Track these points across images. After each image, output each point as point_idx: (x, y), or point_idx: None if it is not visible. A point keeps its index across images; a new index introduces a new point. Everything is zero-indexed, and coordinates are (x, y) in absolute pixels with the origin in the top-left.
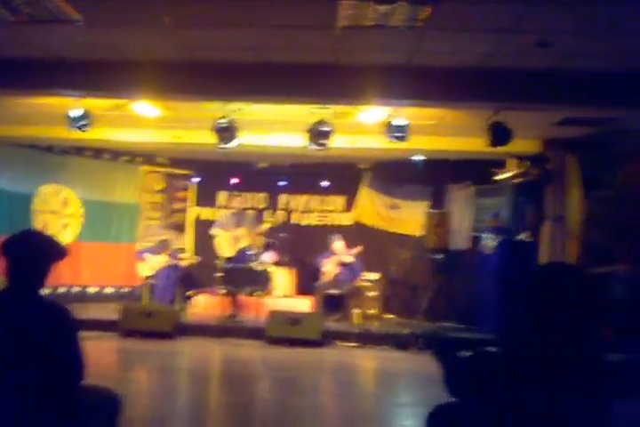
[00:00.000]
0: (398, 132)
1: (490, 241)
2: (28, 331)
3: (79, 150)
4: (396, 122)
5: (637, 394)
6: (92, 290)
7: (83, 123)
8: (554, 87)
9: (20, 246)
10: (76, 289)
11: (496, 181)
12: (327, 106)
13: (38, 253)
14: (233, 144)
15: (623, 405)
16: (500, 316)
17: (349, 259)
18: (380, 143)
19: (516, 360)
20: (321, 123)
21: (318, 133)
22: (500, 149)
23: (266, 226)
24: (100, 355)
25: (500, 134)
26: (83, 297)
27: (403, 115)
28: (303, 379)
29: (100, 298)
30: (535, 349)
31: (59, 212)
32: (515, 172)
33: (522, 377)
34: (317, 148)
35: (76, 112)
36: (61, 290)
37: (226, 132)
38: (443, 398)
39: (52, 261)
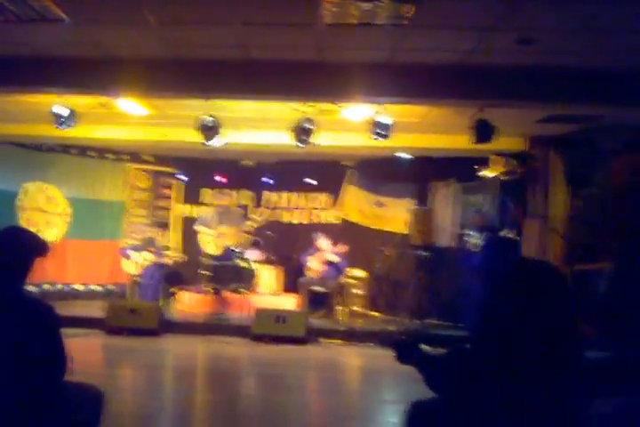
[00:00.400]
0: (382, 130)
1: (474, 238)
2: (10, 327)
3: (65, 148)
4: (379, 120)
5: (620, 393)
6: (77, 287)
7: (68, 121)
8: (537, 84)
9: (2, 242)
10: (61, 286)
11: (481, 179)
12: (311, 103)
13: (21, 248)
14: (217, 142)
15: (606, 404)
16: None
17: (334, 258)
18: (365, 141)
19: (488, 358)
20: (305, 120)
21: (302, 131)
22: (485, 146)
23: (251, 224)
24: (86, 352)
25: (483, 132)
26: (68, 294)
27: (387, 112)
28: (288, 376)
29: (85, 295)
30: (508, 346)
31: (44, 209)
32: (499, 169)
33: (495, 375)
34: (301, 145)
35: (61, 110)
36: (47, 287)
37: (210, 130)
38: (426, 395)
39: (34, 256)
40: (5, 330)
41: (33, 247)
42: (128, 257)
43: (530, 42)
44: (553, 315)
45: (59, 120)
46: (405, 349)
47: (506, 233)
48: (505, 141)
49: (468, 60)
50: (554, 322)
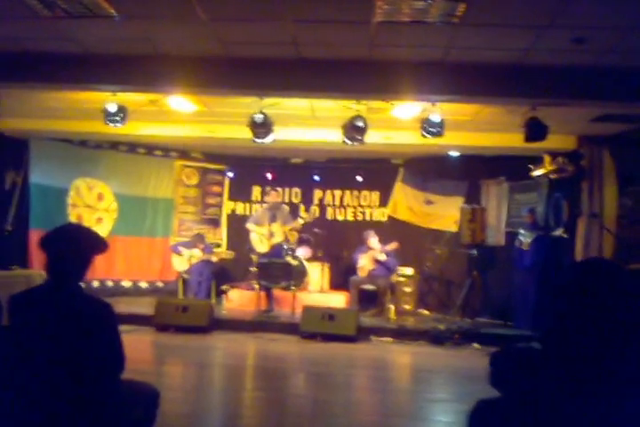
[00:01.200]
0: (433, 128)
1: (525, 237)
2: (69, 324)
3: (114, 145)
4: (431, 118)
5: None
6: (126, 284)
7: (118, 117)
8: (590, 83)
9: (62, 240)
10: (110, 283)
11: (532, 177)
12: (362, 101)
13: (80, 246)
14: (268, 139)
15: None
16: (536, 312)
17: (383, 257)
18: (415, 139)
19: (556, 358)
20: (356, 118)
21: (353, 129)
22: (535, 144)
23: (300, 221)
24: (135, 349)
25: (536, 130)
26: (117, 291)
27: (438, 110)
28: (338, 374)
29: (134, 292)
30: (575, 347)
31: (93, 206)
32: (550, 168)
33: (562, 376)
34: (352, 143)
35: (111, 107)
36: (95, 284)
37: (261, 127)
38: (479, 394)
39: (94, 253)
40: (65, 328)
41: (92, 245)
42: (180, 253)
43: (584, 40)
44: (622, 313)
45: (109, 117)
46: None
47: (557, 232)
48: (556, 140)
49: (522, 59)
50: (624, 321)
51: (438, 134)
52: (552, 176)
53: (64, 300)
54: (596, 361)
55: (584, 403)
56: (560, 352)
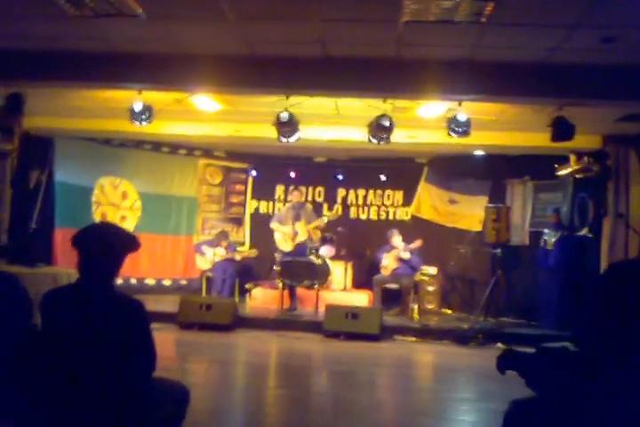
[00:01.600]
0: (460, 128)
1: (550, 237)
2: (102, 323)
3: (138, 143)
4: (457, 117)
5: None
6: (149, 282)
7: (144, 116)
8: (618, 82)
9: (94, 238)
10: (133, 281)
11: (557, 177)
12: (387, 100)
13: (113, 244)
14: (294, 138)
15: None
16: (560, 312)
17: (406, 256)
18: (440, 138)
19: (594, 360)
20: (382, 117)
21: (379, 128)
22: (560, 144)
23: (324, 219)
24: (160, 347)
25: (563, 130)
26: (140, 289)
27: (463, 110)
28: (361, 373)
29: (157, 290)
30: (612, 349)
31: (117, 204)
32: (576, 167)
33: (600, 378)
34: (378, 142)
35: (137, 106)
36: (119, 282)
37: (287, 126)
38: (502, 394)
39: (126, 252)
40: (97, 326)
41: (124, 243)
42: (202, 253)
43: (612, 40)
44: None
45: (135, 116)
46: (504, 357)
47: (582, 232)
48: (581, 139)
49: (549, 58)
50: None
51: (465, 134)
52: (577, 176)
53: (96, 298)
54: (635, 363)
55: (626, 405)
56: (597, 354)
